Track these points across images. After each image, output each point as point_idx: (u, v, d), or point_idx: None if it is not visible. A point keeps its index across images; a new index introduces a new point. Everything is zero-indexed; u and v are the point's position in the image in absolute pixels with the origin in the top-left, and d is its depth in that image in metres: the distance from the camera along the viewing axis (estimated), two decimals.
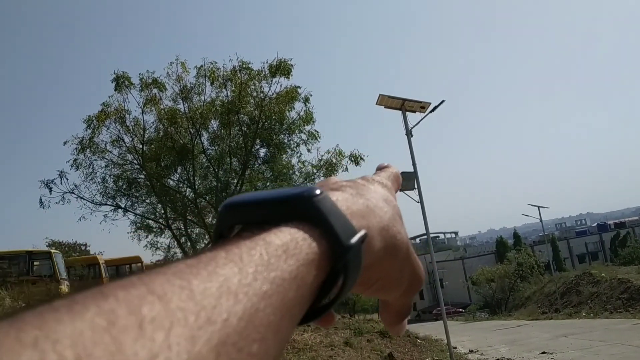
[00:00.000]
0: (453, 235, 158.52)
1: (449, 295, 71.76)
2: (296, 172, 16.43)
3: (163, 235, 19.43)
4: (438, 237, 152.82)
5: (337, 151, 15.90)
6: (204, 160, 17.29)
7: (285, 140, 16.25)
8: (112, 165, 17.79)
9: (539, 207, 34.39)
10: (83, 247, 41.48)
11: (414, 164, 13.00)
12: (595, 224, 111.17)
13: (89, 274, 24.26)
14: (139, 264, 28.15)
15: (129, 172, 17.69)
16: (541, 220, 35.07)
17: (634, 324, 18.95)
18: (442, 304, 13.69)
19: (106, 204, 17.58)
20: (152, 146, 17.43)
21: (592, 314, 25.56)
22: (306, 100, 16.20)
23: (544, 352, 15.42)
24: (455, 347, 20.62)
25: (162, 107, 16.97)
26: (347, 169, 15.79)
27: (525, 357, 15.21)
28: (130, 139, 17.54)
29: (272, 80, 15.99)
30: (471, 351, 18.76)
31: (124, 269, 28.90)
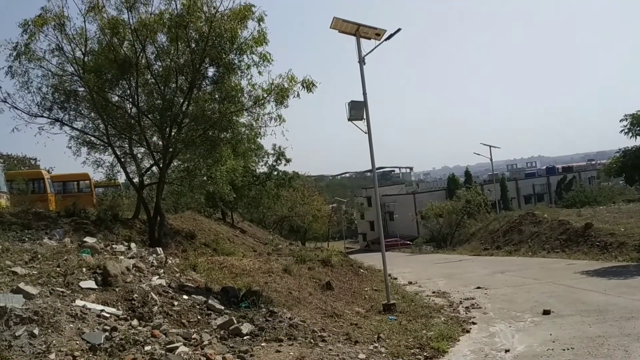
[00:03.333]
0: (408, 170, 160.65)
1: (398, 228, 73.46)
2: (245, 95, 15.76)
3: (107, 153, 18.66)
4: (393, 171, 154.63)
5: (290, 76, 15.21)
6: (149, 77, 16.39)
7: (236, 61, 15.42)
8: (50, 75, 16.69)
9: (490, 146, 34.81)
10: (33, 162, 40.16)
11: (364, 93, 12.61)
12: (544, 167, 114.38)
13: (33, 188, 23.42)
14: (87, 181, 27.36)
15: (67, 84, 16.64)
16: (491, 159, 35.59)
17: (568, 264, 19.63)
18: (381, 236, 13.71)
19: (42, 116, 16.61)
20: (94, 58, 16.38)
21: (530, 253, 26.42)
22: (260, 19, 15.28)
23: (478, 287, 15.81)
24: (396, 278, 21.08)
25: (104, 15, 15.83)
26: (298, 95, 15.18)
27: (461, 291, 15.57)
28: (71, 48, 16.43)
29: None
30: (410, 283, 19.16)
31: (72, 185, 28.09)
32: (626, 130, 17.06)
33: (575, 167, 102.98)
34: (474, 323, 10.56)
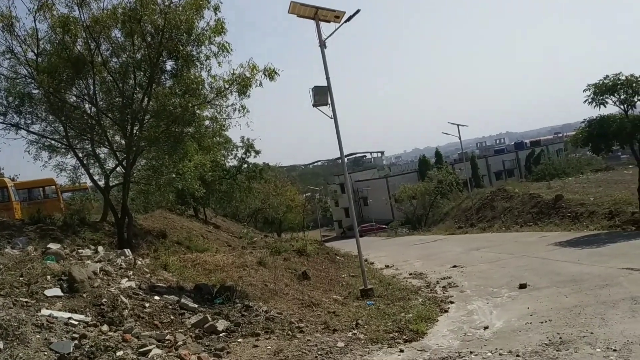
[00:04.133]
0: (379, 154, 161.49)
1: (373, 212, 73.74)
2: (206, 87, 15.40)
3: (69, 156, 18.09)
4: (365, 156, 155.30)
5: (251, 65, 14.92)
6: (106, 74, 15.87)
7: (194, 53, 15.02)
8: (2, 79, 16.05)
9: (458, 125, 34.98)
10: None
11: (327, 78, 12.39)
12: (513, 143, 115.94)
13: None
14: (53, 186, 26.65)
15: (20, 87, 15.99)
16: (460, 138, 35.78)
17: (541, 237, 19.84)
18: (354, 222, 13.58)
19: None
20: (47, 58, 15.79)
21: (504, 228, 26.70)
22: (216, 8, 14.90)
23: (454, 266, 15.85)
24: (373, 263, 21.06)
25: (55, 13, 15.24)
26: (261, 84, 14.91)
27: (437, 270, 15.58)
28: (22, 50, 15.79)
29: None
30: (387, 266, 19.13)
31: (37, 191, 27.33)
32: (589, 100, 17.18)
33: (543, 141, 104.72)
34: (451, 302, 10.53)
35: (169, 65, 15.72)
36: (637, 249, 13.40)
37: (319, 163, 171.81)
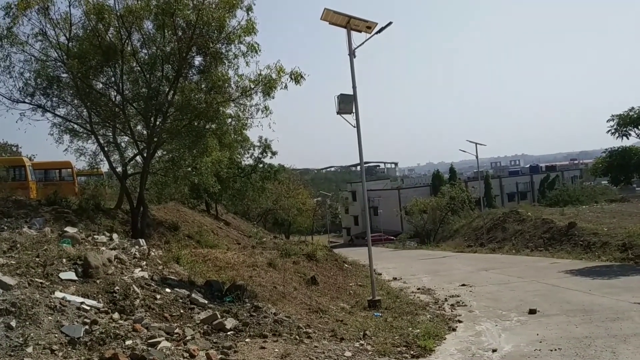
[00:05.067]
0: (393, 165, 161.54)
1: (382, 223, 73.56)
2: (232, 85, 15.52)
3: (90, 141, 18.31)
4: (378, 166, 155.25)
5: (278, 67, 15.02)
6: (135, 64, 16.06)
7: (223, 50, 15.17)
8: (33, 61, 16.28)
9: (476, 143, 34.88)
10: (14, 149, 39.48)
11: (354, 87, 12.43)
12: (528, 166, 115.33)
13: (14, 176, 22.93)
14: (69, 169, 26.90)
15: (50, 70, 16.22)
16: (477, 156, 35.68)
17: (552, 263, 19.68)
18: (368, 232, 13.60)
19: (24, 102, 16.20)
20: (79, 44, 16.01)
21: (514, 251, 26.50)
22: (249, 9, 15.04)
23: (463, 284, 15.79)
24: (381, 274, 21.01)
25: (90, 0, 15.46)
26: (286, 87, 15.01)
27: (445, 288, 15.52)
28: (55, 33, 16.03)
29: None
30: (395, 279, 19.09)
31: (53, 173, 27.60)
32: (613, 131, 17.14)
33: (559, 166, 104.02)
34: (460, 321, 10.49)
35: (197, 60, 15.91)
36: None
37: (332, 168, 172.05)
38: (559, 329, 9.09)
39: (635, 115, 16.80)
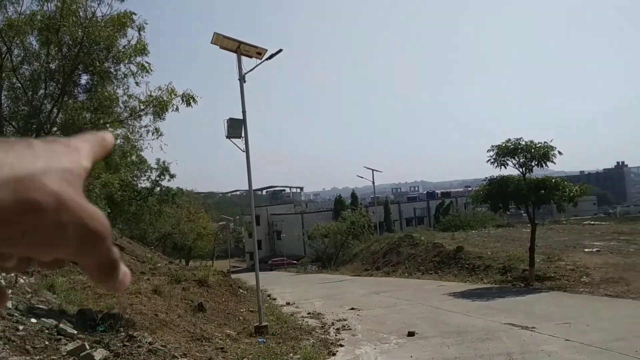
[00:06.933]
0: (298, 190, 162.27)
1: (286, 247, 73.66)
2: (121, 105, 15.06)
3: None
4: (284, 190, 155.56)
5: (169, 89, 14.80)
6: (15, 81, 15.17)
7: (112, 70, 14.73)
8: None
9: (372, 170, 35.95)
10: None
11: (243, 111, 12.47)
12: (425, 192, 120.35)
13: None
14: None
15: None
16: (373, 182, 36.81)
17: (439, 286, 20.53)
18: (255, 257, 13.55)
19: None
20: None
21: (406, 274, 27.38)
22: (140, 28, 14.75)
23: (353, 308, 16.06)
24: (275, 299, 20.96)
25: None
26: (177, 109, 14.83)
27: (335, 312, 15.71)
28: None
29: (102, 0, 14.35)
30: (288, 303, 19.08)
31: None
32: (492, 160, 18.23)
33: (453, 193, 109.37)
34: (341, 345, 10.64)
35: (84, 79, 15.28)
36: (522, 305, 14.14)
37: (238, 192, 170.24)
38: (432, 351, 9.45)
39: (511, 146, 17.99)
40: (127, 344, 8.55)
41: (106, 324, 9.29)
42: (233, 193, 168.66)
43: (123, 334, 9.06)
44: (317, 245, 58.20)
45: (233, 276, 28.48)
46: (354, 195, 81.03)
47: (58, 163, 0.48)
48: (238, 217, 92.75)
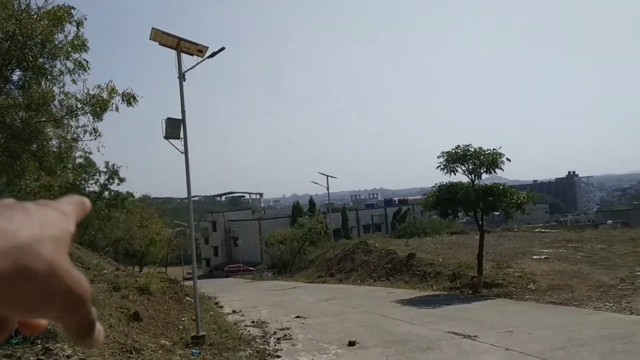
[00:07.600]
0: (258, 196, 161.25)
1: (243, 253, 72.71)
2: (56, 104, 14.34)
3: None
4: (243, 196, 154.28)
5: (110, 88, 14.18)
6: None
7: (47, 66, 14.02)
8: None
9: (327, 176, 35.70)
10: None
11: (182, 111, 11.99)
12: (383, 199, 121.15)
13: None
14: None
15: None
16: (328, 189, 36.53)
17: (389, 292, 20.34)
18: (194, 266, 13.03)
19: None
20: None
21: (359, 281, 27.17)
22: (79, 23, 14.12)
23: (298, 316, 15.65)
24: (222, 307, 20.40)
25: None
26: (117, 108, 14.22)
27: (280, 320, 15.28)
28: None
29: None
30: (234, 311, 18.54)
31: None
32: (442, 167, 18.15)
33: (410, 200, 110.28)
34: (278, 357, 10.23)
35: (17, 75, 14.52)
36: (467, 313, 14.01)
37: (196, 198, 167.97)
38: None
39: (461, 153, 17.95)
40: (42, 357, 7.97)
41: (20, 336, 8.65)
42: (192, 199, 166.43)
43: (40, 346, 8.45)
44: (274, 252, 57.71)
45: (187, 283, 27.73)
46: (311, 202, 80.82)
47: (51, 230, 0.51)
48: (196, 223, 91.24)
